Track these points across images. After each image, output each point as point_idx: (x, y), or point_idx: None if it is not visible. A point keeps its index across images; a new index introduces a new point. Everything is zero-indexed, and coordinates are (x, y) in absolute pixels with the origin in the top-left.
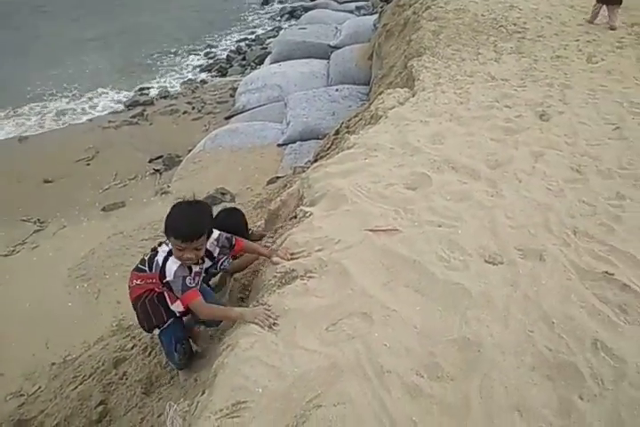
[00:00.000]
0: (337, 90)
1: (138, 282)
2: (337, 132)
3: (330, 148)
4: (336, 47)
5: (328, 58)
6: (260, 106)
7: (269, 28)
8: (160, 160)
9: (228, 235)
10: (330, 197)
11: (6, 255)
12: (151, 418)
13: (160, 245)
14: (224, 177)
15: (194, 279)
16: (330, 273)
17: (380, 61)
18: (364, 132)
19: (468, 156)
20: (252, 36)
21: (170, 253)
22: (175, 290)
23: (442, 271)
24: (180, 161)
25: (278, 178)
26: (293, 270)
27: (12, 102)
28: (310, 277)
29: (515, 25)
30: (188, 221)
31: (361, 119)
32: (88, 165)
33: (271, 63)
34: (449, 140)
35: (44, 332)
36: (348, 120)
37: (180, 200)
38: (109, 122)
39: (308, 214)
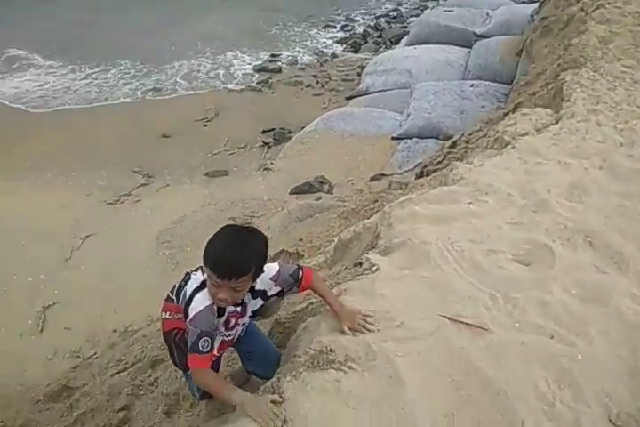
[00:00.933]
0: (472, 85)
1: (166, 315)
2: (453, 145)
3: (440, 162)
4: (482, 36)
5: (469, 47)
6: (384, 90)
7: (414, 7)
8: (271, 133)
9: (292, 268)
10: (409, 250)
11: (111, 204)
12: None
13: (196, 270)
14: (327, 164)
15: (212, 336)
16: (375, 372)
17: (528, 62)
18: (477, 162)
19: (617, 229)
20: (394, 13)
21: (203, 285)
22: (188, 340)
23: (537, 421)
24: (291, 137)
25: (383, 176)
26: (331, 351)
27: (150, 60)
28: (349, 367)
29: None
30: (231, 256)
31: (485, 136)
32: (205, 126)
33: (406, 45)
34: (593, 198)
35: (116, 294)
36: (470, 134)
37: (232, 223)
38: (236, 84)
39: (374, 269)
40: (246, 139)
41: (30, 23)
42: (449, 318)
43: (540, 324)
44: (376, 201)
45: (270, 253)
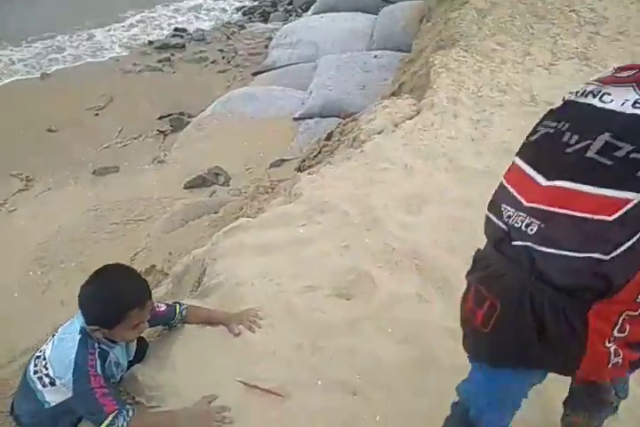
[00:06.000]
0: (375, 56)
1: None
2: (329, 137)
3: (316, 156)
4: (389, 1)
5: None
6: (290, 65)
7: None
8: (168, 119)
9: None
10: (223, 295)
11: None
12: None
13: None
14: (225, 152)
15: None
16: None
17: (423, 35)
18: (323, 172)
19: (449, 247)
20: None
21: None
22: None
23: None
24: (190, 122)
25: (284, 161)
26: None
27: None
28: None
29: (591, 11)
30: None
31: (351, 131)
32: (97, 115)
33: (313, 13)
34: (431, 209)
35: None
36: (344, 124)
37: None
38: (134, 64)
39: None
40: (142, 127)
41: None
42: (245, 384)
43: (345, 379)
44: (241, 208)
45: (141, 267)
